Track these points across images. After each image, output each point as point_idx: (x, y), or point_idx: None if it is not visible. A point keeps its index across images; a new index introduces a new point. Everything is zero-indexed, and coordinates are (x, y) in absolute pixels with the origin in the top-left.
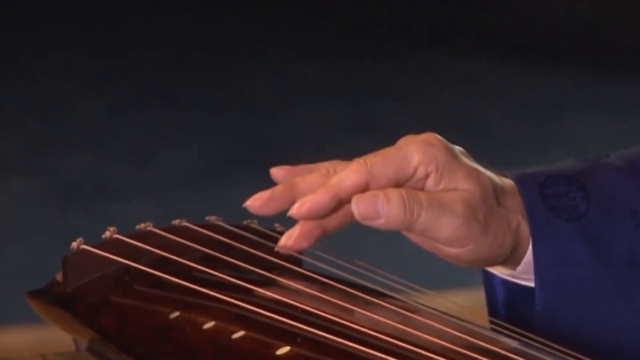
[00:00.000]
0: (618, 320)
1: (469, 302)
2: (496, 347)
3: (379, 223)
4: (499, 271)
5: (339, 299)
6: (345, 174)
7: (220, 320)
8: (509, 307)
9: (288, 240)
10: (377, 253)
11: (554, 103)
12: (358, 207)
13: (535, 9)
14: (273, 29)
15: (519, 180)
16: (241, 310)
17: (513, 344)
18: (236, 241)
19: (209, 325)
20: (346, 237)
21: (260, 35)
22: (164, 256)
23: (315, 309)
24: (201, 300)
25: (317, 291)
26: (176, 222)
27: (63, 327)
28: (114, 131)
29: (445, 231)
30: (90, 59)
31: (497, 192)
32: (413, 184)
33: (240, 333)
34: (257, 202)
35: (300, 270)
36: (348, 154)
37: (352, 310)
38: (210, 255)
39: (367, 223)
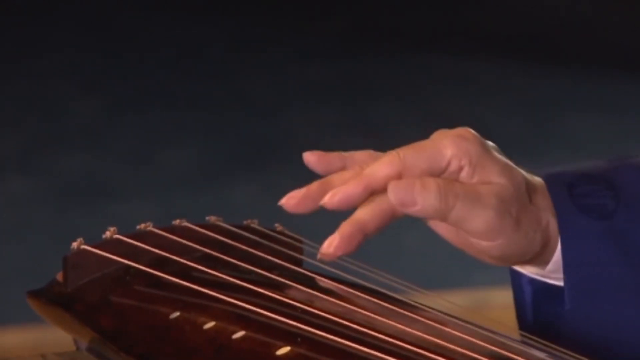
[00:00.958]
0: None
1: (468, 302)
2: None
3: (414, 210)
4: (527, 270)
5: (338, 299)
6: (378, 166)
7: (220, 320)
8: (537, 306)
9: (329, 247)
10: (377, 253)
11: (554, 103)
12: (395, 192)
13: (535, 9)
14: (273, 29)
15: (548, 179)
16: (241, 310)
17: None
18: (236, 241)
19: (209, 325)
20: None
21: (260, 35)
22: (164, 256)
23: (315, 308)
24: (201, 300)
25: (317, 291)
26: (176, 222)
27: (63, 327)
28: (114, 131)
29: (478, 223)
30: (89, 59)
31: (529, 189)
32: (446, 177)
33: (241, 333)
34: (292, 201)
35: (300, 270)
36: None
37: (352, 310)
38: (210, 255)
39: (402, 209)
